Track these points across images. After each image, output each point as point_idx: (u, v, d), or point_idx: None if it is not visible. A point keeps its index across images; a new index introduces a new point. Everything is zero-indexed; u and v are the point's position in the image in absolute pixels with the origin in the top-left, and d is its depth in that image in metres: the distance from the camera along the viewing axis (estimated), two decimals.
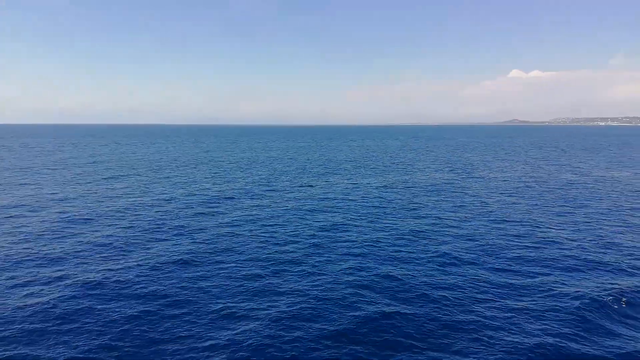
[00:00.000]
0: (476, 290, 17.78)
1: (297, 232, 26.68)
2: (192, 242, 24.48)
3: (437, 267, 20.56)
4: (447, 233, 26.42)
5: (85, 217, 30.21)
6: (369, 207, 34.36)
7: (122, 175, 53.42)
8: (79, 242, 24.52)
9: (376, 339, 14.04)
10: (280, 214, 31.59)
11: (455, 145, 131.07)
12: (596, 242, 24.55)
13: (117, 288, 18.06)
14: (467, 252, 22.62)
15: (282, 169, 62.14)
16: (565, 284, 18.39)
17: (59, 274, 19.66)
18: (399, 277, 19.19)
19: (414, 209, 33.51)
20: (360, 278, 19.06)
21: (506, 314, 15.63)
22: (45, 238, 25.23)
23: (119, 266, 20.62)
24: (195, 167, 64.02)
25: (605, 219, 29.96)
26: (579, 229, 27.31)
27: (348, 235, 25.96)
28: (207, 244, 24.26)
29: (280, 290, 17.94)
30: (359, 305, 16.43)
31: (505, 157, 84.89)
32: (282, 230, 27.24)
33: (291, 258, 21.85)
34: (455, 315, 15.56)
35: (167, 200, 36.94)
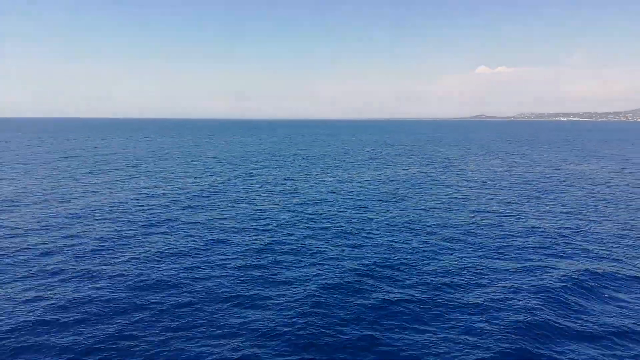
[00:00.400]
0: (471, 274, 18.63)
1: (289, 224, 27.02)
2: (185, 235, 24.50)
3: (431, 254, 21.31)
4: (434, 223, 27.27)
5: (72, 212, 29.67)
6: (356, 199, 34.97)
7: (100, 171, 52.36)
8: (70, 236, 24.17)
9: (386, 323, 14.63)
10: (269, 208, 31.83)
11: (428, 140, 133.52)
12: (573, 229, 25.88)
13: (120, 281, 18.04)
14: (455, 240, 23.52)
15: (263, 163, 62.15)
16: (548, 267, 19.46)
17: (55, 268, 19.44)
18: (395, 265, 19.85)
19: (397, 200, 34.33)
20: (360, 267, 19.61)
21: (498, 294, 16.50)
22: (35, 233, 24.74)
23: (117, 259, 20.52)
24: (174, 161, 63.26)
25: (580, 209, 31.48)
26: (556, 218, 28.65)
27: (339, 227, 26.46)
28: (199, 236, 24.33)
29: (282, 279, 18.30)
30: (364, 292, 16.99)
31: (478, 151, 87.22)
32: (273, 222, 27.51)
33: (287, 249, 22.20)
34: (455, 296, 16.32)
35: (150, 194, 36.58)
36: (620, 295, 16.95)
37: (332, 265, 19.81)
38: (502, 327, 14.24)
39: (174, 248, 22.16)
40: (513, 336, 13.60)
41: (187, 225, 26.53)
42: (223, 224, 27.04)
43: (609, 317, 15.19)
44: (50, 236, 24.05)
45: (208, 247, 22.38)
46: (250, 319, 14.90)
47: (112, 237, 23.95)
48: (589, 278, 18.35)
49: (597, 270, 19.14)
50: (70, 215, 28.68)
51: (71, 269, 19.29)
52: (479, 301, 16.18)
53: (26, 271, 18.97)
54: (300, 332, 13.94)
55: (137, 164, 58.82)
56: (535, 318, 14.72)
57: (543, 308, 15.51)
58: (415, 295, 16.73)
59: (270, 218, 28.55)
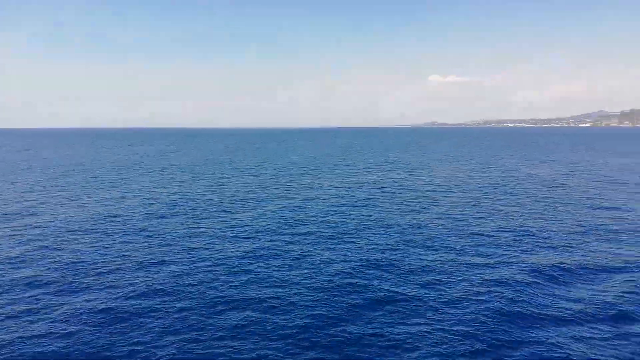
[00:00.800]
0: (449, 270, 19.73)
1: (270, 230, 27.40)
2: (165, 244, 24.43)
3: (409, 254, 22.31)
4: (409, 224, 28.40)
5: (66, 224, 28.78)
6: (330, 205, 35.73)
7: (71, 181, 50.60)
8: (45, 247, 23.56)
9: (379, 318, 15.38)
10: (249, 215, 32.07)
11: (387, 146, 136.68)
12: (536, 227, 27.70)
13: (112, 292, 17.91)
14: (430, 239, 24.69)
15: (230, 171, 61.92)
16: (515, 260, 20.89)
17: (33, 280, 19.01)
18: (380, 265, 20.71)
19: (371, 205, 35.40)
20: (347, 268, 20.32)
21: (477, 287, 17.65)
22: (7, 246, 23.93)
23: (101, 270, 20.30)
24: (139, 172, 61.93)
25: (534, 210, 33.58)
26: (521, 217, 30.49)
27: (321, 232, 27.11)
28: (180, 245, 24.33)
29: (274, 282, 18.73)
30: (357, 291, 17.70)
31: (438, 157, 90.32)
32: (256, 228, 27.81)
33: (273, 254, 22.62)
34: (442, 288, 17.32)
35: (123, 205, 35.95)
36: (580, 284, 18.49)
37: (320, 268, 20.41)
38: (483, 316, 15.32)
39: (156, 257, 22.09)
40: (493, 325, 14.73)
41: (164, 235, 26.40)
42: (200, 232, 27.08)
43: (574, 302, 16.57)
44: (26, 249, 23.37)
45: (192, 255, 22.44)
46: (249, 320, 15.25)
47: (90, 250, 23.54)
48: (554, 269, 19.91)
49: (561, 263, 20.73)
50: (41, 228, 27.86)
51: (58, 282, 18.93)
52: (461, 295, 17.23)
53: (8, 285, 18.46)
54: (302, 332, 14.45)
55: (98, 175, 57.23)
56: (512, 306, 16.00)
57: (515, 297, 16.80)
58: (403, 291, 17.60)
59: (248, 225, 28.80)
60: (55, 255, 22.30)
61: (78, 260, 21.64)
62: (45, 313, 15.88)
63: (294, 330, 14.54)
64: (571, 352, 13.17)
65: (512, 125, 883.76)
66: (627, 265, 20.64)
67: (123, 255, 22.33)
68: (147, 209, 33.56)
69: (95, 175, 56.21)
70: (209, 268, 20.43)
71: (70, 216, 31.22)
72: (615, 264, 20.83)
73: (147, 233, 26.65)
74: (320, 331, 14.51)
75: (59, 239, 25.39)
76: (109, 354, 13.25)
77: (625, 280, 18.70)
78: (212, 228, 27.90)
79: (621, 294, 17.21)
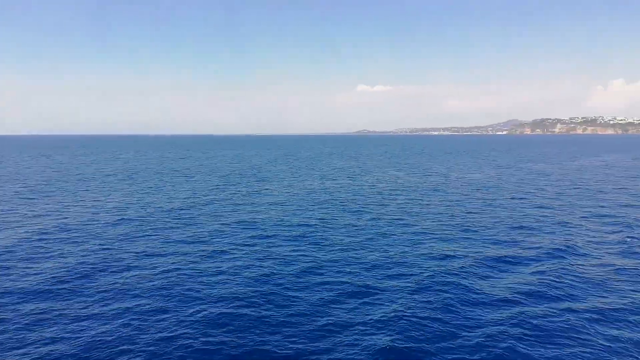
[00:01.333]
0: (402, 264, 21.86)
1: (242, 238, 28.29)
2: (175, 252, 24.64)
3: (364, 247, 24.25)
4: (364, 224, 30.44)
5: (66, 231, 27.66)
6: (294, 211, 37.03)
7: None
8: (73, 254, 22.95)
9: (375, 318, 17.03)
10: (213, 225, 32.60)
11: (320, 154, 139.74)
12: (475, 225, 30.79)
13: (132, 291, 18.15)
14: (383, 237, 26.84)
15: (180, 182, 61.20)
16: (454, 256, 23.51)
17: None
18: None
19: (327, 208, 37.14)
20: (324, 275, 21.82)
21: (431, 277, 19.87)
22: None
23: (121, 275, 20.32)
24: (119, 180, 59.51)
25: (477, 208, 37.02)
26: (460, 217, 33.59)
27: (292, 239, 28.39)
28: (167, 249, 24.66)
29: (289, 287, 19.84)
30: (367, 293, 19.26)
31: (372, 163, 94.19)
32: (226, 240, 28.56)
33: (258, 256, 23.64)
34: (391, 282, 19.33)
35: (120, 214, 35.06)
36: (514, 268, 21.37)
37: (334, 268, 21.77)
38: (433, 301, 17.49)
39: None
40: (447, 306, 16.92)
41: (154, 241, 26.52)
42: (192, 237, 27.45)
43: (512, 284, 19.26)
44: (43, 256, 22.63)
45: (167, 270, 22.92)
46: (276, 317, 16.32)
47: (99, 255, 23.28)
48: (490, 260, 22.75)
49: (496, 254, 23.61)
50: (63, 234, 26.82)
51: (87, 287, 18.79)
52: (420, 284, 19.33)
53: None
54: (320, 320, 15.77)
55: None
56: (459, 290, 18.36)
57: (461, 283, 19.27)
58: (370, 283, 19.40)
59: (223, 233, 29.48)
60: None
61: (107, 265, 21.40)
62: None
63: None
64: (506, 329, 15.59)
65: (437, 134, 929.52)
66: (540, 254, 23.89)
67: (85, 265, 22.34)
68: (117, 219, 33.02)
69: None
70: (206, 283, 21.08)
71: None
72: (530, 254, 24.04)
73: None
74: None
75: None
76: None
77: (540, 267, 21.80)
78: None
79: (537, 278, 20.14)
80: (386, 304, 17.59)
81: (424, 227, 30.61)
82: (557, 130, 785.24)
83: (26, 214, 35.41)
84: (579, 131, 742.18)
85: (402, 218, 33.71)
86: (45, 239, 27.31)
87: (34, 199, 43.57)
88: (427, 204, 39.97)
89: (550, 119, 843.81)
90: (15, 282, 19.85)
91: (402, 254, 24.17)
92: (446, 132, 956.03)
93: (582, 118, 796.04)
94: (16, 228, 30.40)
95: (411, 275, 20.84)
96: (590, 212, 36.12)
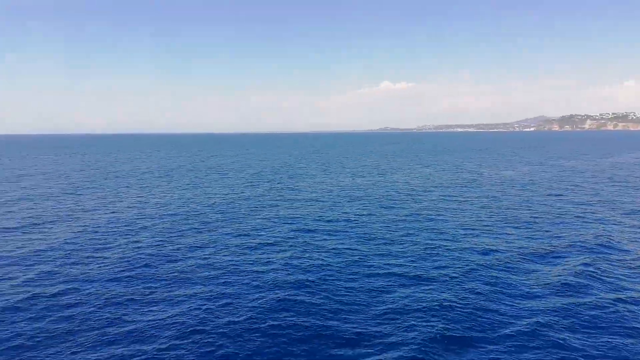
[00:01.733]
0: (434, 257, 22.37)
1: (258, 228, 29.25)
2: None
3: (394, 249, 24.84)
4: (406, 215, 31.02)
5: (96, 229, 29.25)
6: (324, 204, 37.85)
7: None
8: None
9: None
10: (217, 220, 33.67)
11: (348, 152, 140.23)
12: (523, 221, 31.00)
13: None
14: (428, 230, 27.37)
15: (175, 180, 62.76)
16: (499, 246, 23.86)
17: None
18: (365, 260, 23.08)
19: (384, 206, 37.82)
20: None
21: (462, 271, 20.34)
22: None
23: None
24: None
25: (512, 208, 37.12)
26: (496, 213, 33.81)
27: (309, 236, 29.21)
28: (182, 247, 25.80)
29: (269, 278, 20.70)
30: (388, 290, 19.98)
31: (407, 161, 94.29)
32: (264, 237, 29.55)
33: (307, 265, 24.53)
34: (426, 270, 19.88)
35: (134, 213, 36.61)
36: (558, 261, 21.61)
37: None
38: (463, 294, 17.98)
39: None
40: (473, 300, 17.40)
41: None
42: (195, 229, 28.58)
43: (558, 276, 19.51)
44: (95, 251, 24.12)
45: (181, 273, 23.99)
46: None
47: (153, 247, 24.64)
48: (533, 254, 23.01)
49: (539, 248, 23.86)
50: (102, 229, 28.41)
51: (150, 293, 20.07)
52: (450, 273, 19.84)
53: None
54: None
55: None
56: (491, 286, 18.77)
57: (507, 276, 19.65)
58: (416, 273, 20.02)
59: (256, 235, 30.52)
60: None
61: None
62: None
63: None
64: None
65: (461, 130, 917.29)
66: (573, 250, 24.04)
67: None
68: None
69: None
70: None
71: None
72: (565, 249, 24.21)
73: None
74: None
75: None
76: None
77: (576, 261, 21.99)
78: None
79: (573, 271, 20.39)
80: (436, 293, 18.19)
81: (462, 222, 31.01)
82: (587, 126, 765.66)
83: (76, 209, 37.17)
84: (610, 127, 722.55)
85: (439, 214, 34.13)
86: (100, 232, 28.80)
87: (80, 194, 45.54)
88: (464, 200, 40.24)
89: (579, 115, 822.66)
90: (82, 270, 21.21)
91: (445, 248, 24.70)
92: (471, 129, 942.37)
93: (613, 114, 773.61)
94: (70, 222, 32.04)
95: (457, 267, 21.38)
96: (631, 208, 35.84)
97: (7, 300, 17.62)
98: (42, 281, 19.79)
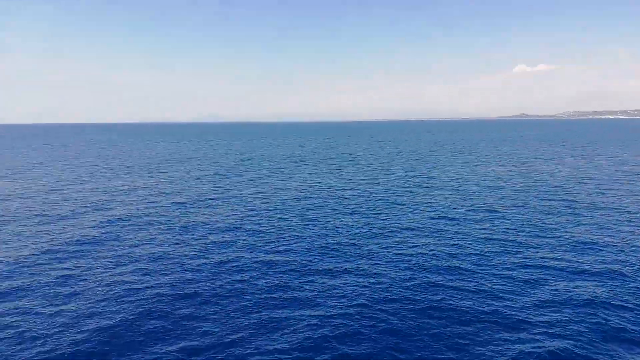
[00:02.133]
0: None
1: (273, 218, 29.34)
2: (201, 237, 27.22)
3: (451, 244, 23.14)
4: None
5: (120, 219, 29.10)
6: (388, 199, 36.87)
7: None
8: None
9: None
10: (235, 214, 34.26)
11: (478, 141, 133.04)
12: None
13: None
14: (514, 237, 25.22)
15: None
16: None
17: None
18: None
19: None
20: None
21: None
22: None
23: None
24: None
25: None
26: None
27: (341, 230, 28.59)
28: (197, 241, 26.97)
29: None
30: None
31: (551, 151, 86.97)
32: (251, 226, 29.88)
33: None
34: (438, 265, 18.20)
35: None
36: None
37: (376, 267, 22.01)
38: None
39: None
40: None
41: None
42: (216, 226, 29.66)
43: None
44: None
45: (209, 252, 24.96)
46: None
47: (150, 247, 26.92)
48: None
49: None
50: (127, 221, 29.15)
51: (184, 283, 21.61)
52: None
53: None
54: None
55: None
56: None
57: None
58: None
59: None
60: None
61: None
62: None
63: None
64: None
65: (613, 117, 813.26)
66: None
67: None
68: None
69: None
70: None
71: None
72: None
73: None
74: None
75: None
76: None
77: None
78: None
79: None
80: (599, 289, 16.96)
81: (628, 218, 27.96)
82: None
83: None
84: None
85: (598, 207, 31.21)
86: (185, 207, 31.66)
87: (177, 180, 50.23)
88: (629, 195, 36.17)
89: None
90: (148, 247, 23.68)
91: (610, 244, 22.68)
92: (624, 116, 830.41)
93: None
94: (158, 196, 35.61)
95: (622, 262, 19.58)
96: None
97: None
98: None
